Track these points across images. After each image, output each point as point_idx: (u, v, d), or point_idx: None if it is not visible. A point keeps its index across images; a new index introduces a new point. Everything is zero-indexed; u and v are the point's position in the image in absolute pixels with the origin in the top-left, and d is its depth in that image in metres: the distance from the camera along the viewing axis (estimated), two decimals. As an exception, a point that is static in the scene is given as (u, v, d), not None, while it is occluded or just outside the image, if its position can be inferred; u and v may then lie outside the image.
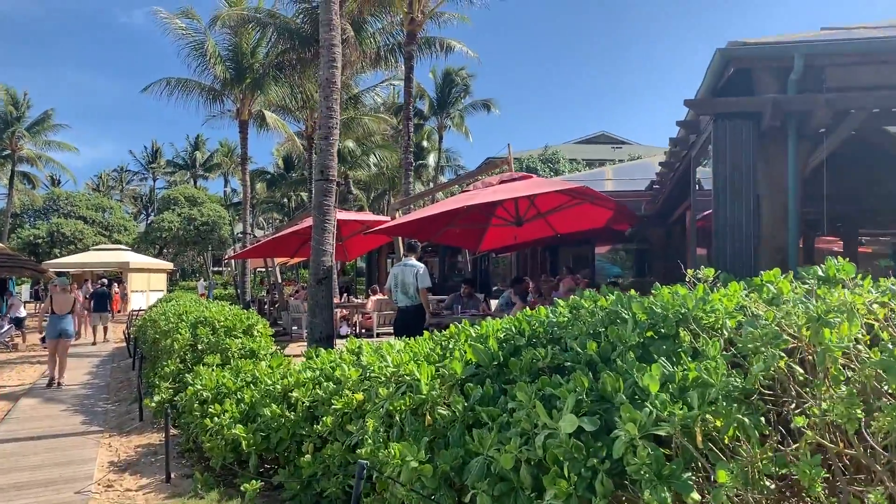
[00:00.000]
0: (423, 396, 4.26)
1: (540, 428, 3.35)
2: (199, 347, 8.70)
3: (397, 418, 4.43)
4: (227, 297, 27.87)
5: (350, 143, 35.23)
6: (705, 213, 7.68)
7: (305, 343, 12.00)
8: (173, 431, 7.17)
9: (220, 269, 64.29)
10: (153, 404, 7.85)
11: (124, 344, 16.79)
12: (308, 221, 14.57)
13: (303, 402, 5.54)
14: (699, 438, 2.94)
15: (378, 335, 14.66)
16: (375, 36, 18.28)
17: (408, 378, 4.58)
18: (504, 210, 10.31)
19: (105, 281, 27.14)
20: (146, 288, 32.37)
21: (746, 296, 3.73)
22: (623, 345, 3.75)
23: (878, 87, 5.85)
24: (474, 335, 4.77)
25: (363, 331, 15.23)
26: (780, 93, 5.96)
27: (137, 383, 9.85)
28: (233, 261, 32.29)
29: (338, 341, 14.35)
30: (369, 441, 4.31)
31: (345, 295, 17.34)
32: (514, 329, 4.60)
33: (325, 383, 5.54)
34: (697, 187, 8.14)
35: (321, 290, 8.84)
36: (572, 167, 41.74)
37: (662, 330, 3.81)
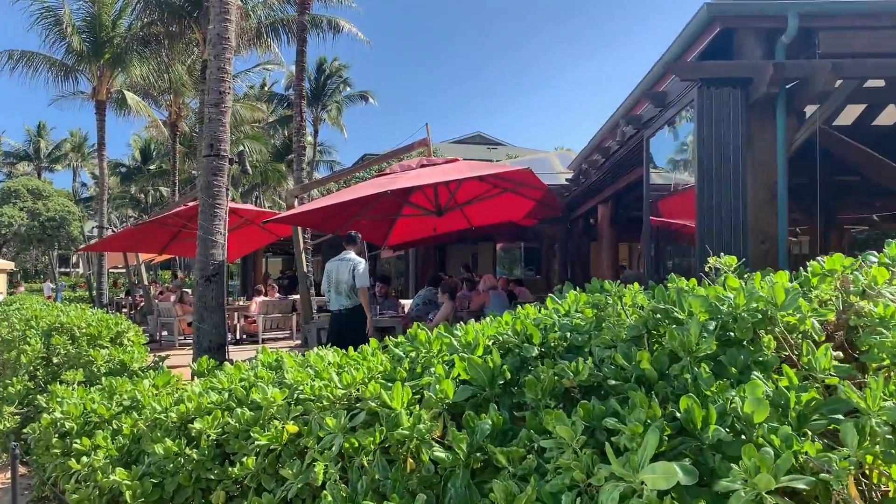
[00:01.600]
0: (406, 431, 3.04)
1: (602, 478, 2.25)
2: (55, 361, 7.03)
3: (360, 461, 3.19)
4: (78, 301, 25.01)
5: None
6: (660, 198, 6.91)
7: (183, 353, 10.39)
8: (22, 470, 5.54)
9: (68, 270, 59.03)
10: (-8, 436, 6.15)
11: (-47, 355, 14.23)
12: (175, 211, 12.86)
13: (209, 436, 4.16)
14: (853, 491, 1.98)
15: (264, 341, 13.13)
16: (256, 9, 16.61)
17: (372, 404, 3.35)
18: (424, 198, 9.19)
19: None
20: (-19, 290, 28.71)
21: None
22: (688, 354, 2.72)
23: (875, 55, 5.21)
24: (456, 343, 3.60)
25: (244, 336, 13.61)
26: (765, 58, 5.21)
27: (-30, 406, 7.92)
28: (86, 260, 29.19)
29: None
30: (329, 498, 3.05)
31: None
32: (512, 335, 3.47)
33: (239, 410, 4.18)
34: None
35: (211, 290, 7.37)
36: (451, 165, 41.10)
37: (732, 334, 2.83)
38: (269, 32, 18.47)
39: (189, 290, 15.53)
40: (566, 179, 11.61)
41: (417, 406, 3.15)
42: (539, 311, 3.71)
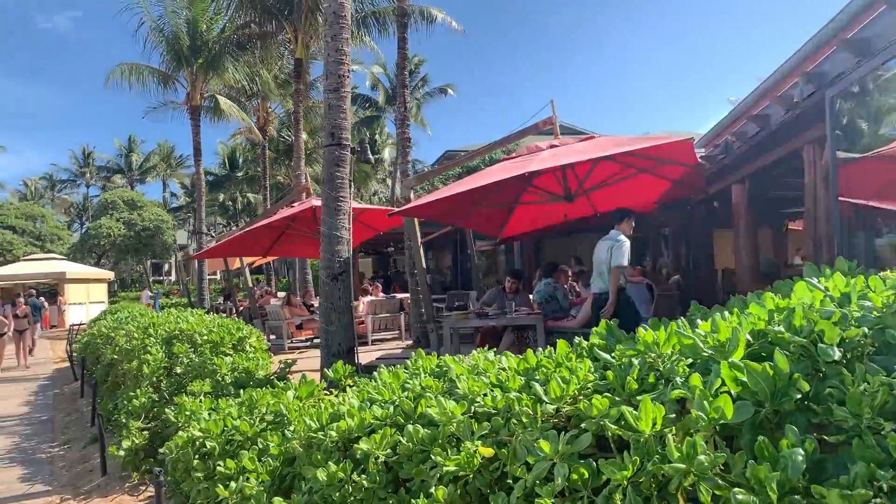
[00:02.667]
0: (680, 465, 2.26)
1: None
2: (178, 370, 6.58)
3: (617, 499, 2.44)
4: (175, 307, 25.30)
5: (304, 136, 32.89)
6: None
7: (297, 356, 9.95)
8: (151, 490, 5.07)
9: (161, 277, 60.77)
10: (121, 452, 5.71)
11: (66, 364, 14.30)
12: (282, 213, 12.47)
13: (377, 459, 3.51)
14: None
15: (373, 342, 12.60)
16: None
17: (612, 425, 2.58)
18: (554, 182, 8.40)
19: (34, 291, 24.25)
20: (86, 300, 29.46)
21: None
22: None
23: None
24: (700, 343, 2.79)
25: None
26: None
27: (92, 418, 7.61)
28: (181, 268, 29.60)
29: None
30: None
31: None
32: (787, 332, 2.62)
33: (410, 427, 3.50)
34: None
35: (338, 289, 6.79)
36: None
37: None
38: (361, 26, 18.03)
39: (287, 292, 15.22)
40: (700, 158, 10.59)
41: (673, 428, 2.39)
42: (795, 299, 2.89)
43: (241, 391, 5.95)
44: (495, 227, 9.74)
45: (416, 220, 8.80)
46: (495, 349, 8.03)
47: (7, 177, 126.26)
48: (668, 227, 16.01)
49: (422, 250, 8.91)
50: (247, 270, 13.73)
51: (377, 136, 40.74)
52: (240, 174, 47.99)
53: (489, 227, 9.71)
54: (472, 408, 3.17)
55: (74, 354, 13.12)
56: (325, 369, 6.70)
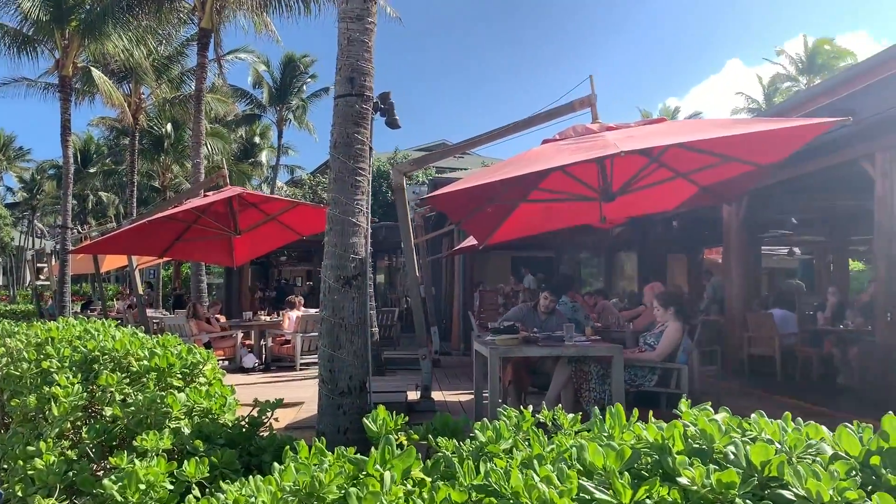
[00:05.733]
0: None
1: None
2: (109, 414, 4.32)
3: None
4: (18, 316, 21.43)
5: (170, 127, 29.61)
6: None
7: (246, 387, 7.77)
8: None
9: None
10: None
11: None
12: (190, 203, 10.07)
13: None
14: None
15: (302, 366, 10.41)
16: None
17: None
18: (593, 174, 6.76)
19: None
20: None
21: None
22: None
23: None
24: None
25: (270, 362, 10.83)
26: None
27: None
28: (33, 269, 25.41)
29: (244, 377, 10.04)
30: None
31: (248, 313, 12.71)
32: None
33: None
34: None
35: (351, 299, 4.78)
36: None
37: None
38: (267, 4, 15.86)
39: (199, 303, 12.64)
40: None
41: None
42: None
43: (220, 450, 3.88)
44: (485, 230, 7.97)
45: (409, 219, 6.92)
46: (530, 388, 6.19)
47: None
48: (619, 248, 15.00)
49: (415, 256, 7.02)
50: (137, 273, 11.07)
51: (257, 138, 37.79)
52: (93, 169, 43.06)
53: (480, 229, 7.93)
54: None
55: None
56: (326, 416, 4.70)
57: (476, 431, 3.29)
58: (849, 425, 2.42)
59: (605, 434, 2.87)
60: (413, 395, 7.28)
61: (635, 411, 2.90)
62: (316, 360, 10.62)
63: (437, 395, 7.39)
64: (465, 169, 31.64)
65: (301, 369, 10.32)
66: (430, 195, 5.29)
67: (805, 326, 9.72)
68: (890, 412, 2.31)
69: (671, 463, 2.34)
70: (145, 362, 4.74)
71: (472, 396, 7.81)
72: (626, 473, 2.38)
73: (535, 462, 2.73)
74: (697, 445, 2.47)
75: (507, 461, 2.88)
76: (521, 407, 5.92)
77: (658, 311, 5.79)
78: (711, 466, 2.26)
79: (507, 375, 5.89)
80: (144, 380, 4.59)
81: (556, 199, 7.33)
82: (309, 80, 36.83)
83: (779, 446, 2.41)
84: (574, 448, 2.74)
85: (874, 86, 7.12)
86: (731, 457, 2.40)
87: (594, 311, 8.38)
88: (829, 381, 8.58)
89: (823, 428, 2.51)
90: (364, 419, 3.77)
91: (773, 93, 38.75)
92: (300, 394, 7.86)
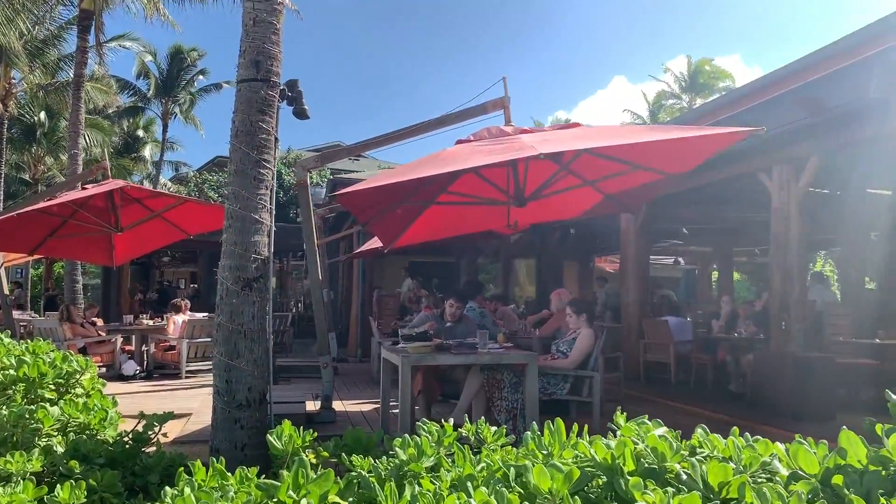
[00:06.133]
0: None
1: None
2: (-37, 432, 3.74)
3: None
4: None
5: (43, 115, 27.65)
6: None
7: (128, 396, 7.16)
8: None
9: None
10: None
11: None
12: (67, 196, 9.27)
13: None
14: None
15: (188, 374, 9.74)
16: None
17: None
18: (504, 178, 6.60)
19: None
20: None
21: None
22: None
23: None
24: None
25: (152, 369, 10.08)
26: None
27: None
28: None
29: (124, 385, 9.24)
30: None
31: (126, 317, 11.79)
32: None
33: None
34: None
35: (251, 303, 4.38)
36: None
37: None
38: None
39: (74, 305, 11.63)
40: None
41: None
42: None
43: (100, 471, 3.48)
44: (392, 232, 7.68)
45: (313, 218, 6.56)
46: (439, 398, 5.93)
47: None
48: (514, 255, 15.03)
49: (318, 255, 6.65)
50: (2, 272, 10.05)
51: (140, 132, 35.83)
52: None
53: (387, 231, 7.63)
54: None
55: None
56: (222, 431, 4.28)
57: (396, 448, 3.01)
58: (804, 441, 2.31)
59: (545, 452, 2.66)
60: (312, 406, 6.89)
61: (560, 421, 2.71)
62: (203, 368, 10.10)
63: (336, 405, 7.02)
64: (362, 171, 31.22)
65: (187, 377, 9.66)
66: (342, 192, 4.93)
67: (700, 334, 9.99)
68: (846, 428, 2.19)
69: (624, 485, 2.15)
70: (12, 371, 4.20)
71: (375, 406, 7.50)
72: (576, 497, 2.17)
73: (469, 484, 2.49)
74: (649, 465, 2.30)
75: (436, 483, 2.62)
76: (428, 418, 5.67)
77: (571, 318, 5.69)
78: (670, 490, 2.08)
79: (417, 385, 5.62)
80: (10, 392, 4.05)
81: (466, 203, 7.13)
82: (199, 76, 35.30)
83: (733, 465, 2.27)
84: (511, 468, 2.51)
85: (771, 101, 7.35)
86: (685, 477, 2.24)
87: (495, 316, 8.25)
88: (723, 388, 8.81)
89: (779, 445, 2.39)
90: (268, 436, 3.42)
91: (658, 109, 40.44)
92: (187, 404, 7.31)
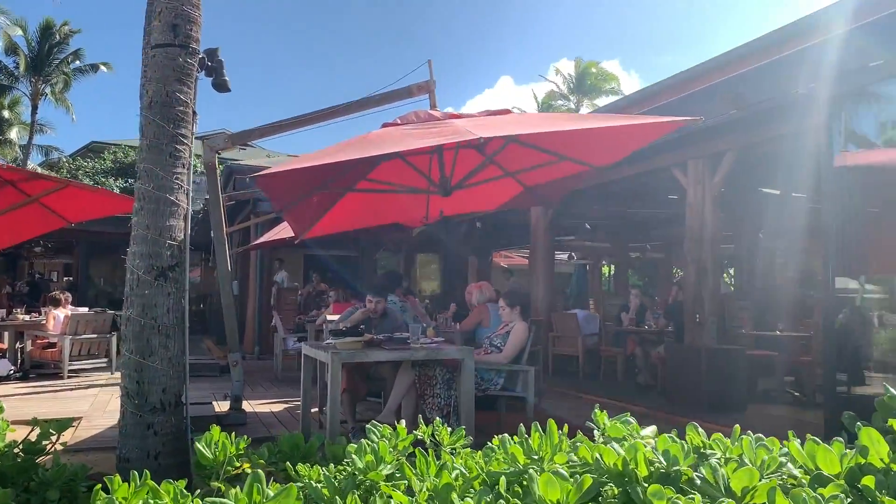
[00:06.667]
0: None
1: None
2: None
3: None
4: None
5: None
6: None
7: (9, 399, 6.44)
8: None
9: None
10: None
11: None
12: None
13: None
14: None
15: (71, 374, 8.90)
16: None
17: None
18: (427, 165, 6.31)
19: None
20: None
21: None
22: None
23: None
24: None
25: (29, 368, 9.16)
26: None
27: None
28: None
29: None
30: None
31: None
32: None
33: None
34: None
35: (165, 294, 3.91)
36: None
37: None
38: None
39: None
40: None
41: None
42: None
43: None
44: (306, 221, 7.25)
45: (221, 203, 6.09)
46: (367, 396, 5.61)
47: None
48: (416, 249, 14.74)
49: (226, 245, 6.17)
50: None
51: (6, 112, 33.07)
52: None
53: (301, 220, 7.19)
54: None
55: None
56: (133, 438, 3.81)
57: (353, 455, 2.73)
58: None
59: (536, 457, 2.42)
60: (219, 407, 6.40)
61: (552, 423, 2.51)
62: (88, 367, 9.28)
63: (243, 405, 6.56)
64: (249, 160, 30.15)
65: (70, 377, 8.82)
66: (262, 173, 4.50)
67: (609, 327, 10.10)
68: (838, 429, 2.09)
69: (642, 494, 1.94)
70: None
71: (285, 406, 7.07)
72: (588, 509, 1.95)
73: (453, 496, 2.23)
74: (663, 470, 2.10)
75: (411, 496, 2.35)
76: (353, 419, 5.33)
77: (504, 311, 5.51)
78: (698, 497, 1.88)
79: (342, 383, 5.27)
80: None
81: (386, 191, 6.82)
82: (73, 58, 32.90)
83: (753, 468, 2.11)
84: (501, 476, 2.27)
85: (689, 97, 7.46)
86: (698, 482, 2.06)
87: (409, 311, 7.97)
88: (631, 380, 8.92)
89: (798, 442, 2.25)
90: (197, 444, 3.02)
91: (548, 109, 41.26)
92: (76, 407, 6.64)
